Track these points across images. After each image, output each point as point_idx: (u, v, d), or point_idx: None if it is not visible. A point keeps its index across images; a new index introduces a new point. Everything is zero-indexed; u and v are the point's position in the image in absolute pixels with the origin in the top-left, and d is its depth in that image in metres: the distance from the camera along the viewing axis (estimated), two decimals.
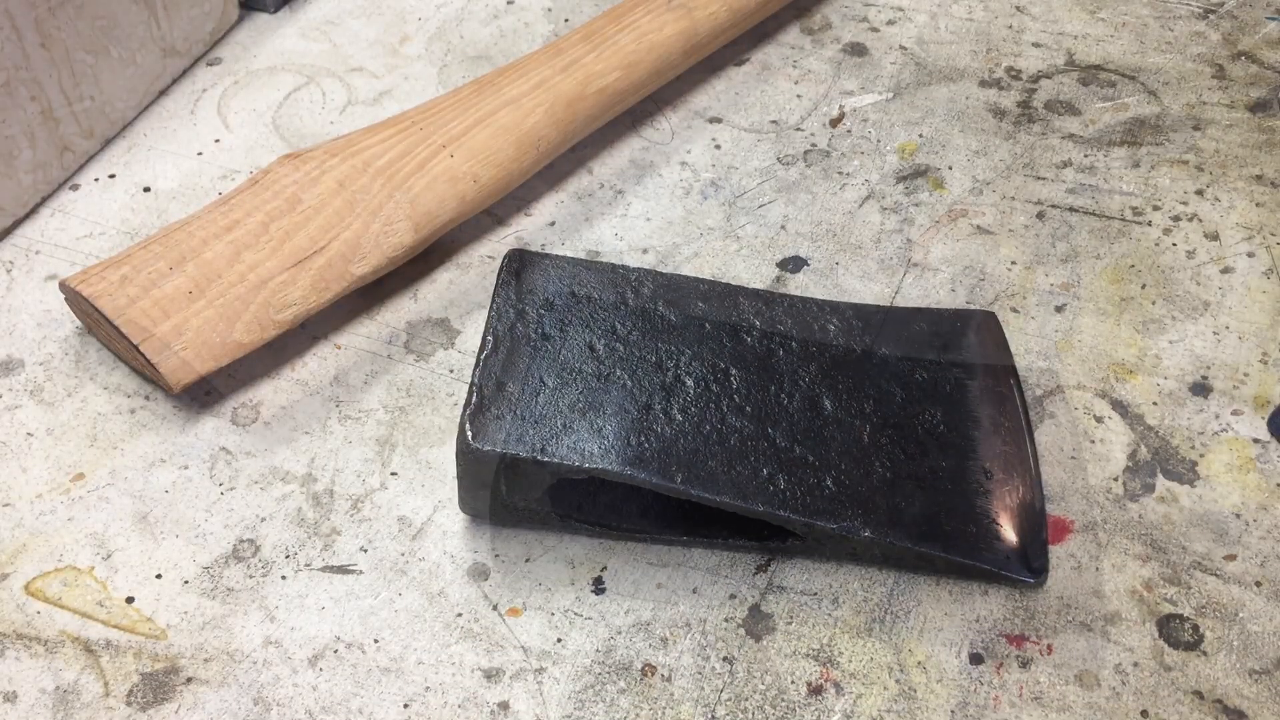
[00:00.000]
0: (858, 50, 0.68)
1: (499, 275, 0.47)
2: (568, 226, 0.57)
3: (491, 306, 0.46)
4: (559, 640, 0.42)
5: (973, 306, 0.50)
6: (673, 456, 0.42)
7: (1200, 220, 0.57)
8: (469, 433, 0.41)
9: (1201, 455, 0.48)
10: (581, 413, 0.43)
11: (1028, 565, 0.43)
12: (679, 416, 0.44)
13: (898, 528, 0.43)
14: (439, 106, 0.56)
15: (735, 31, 0.64)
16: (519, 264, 0.48)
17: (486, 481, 0.42)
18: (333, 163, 0.52)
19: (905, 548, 0.43)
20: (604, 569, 0.44)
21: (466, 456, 0.42)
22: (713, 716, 0.41)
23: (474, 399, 0.42)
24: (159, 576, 0.44)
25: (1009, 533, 0.44)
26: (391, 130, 0.54)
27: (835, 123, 0.63)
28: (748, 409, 0.45)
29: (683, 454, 0.43)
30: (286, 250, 0.49)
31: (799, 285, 0.54)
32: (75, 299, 0.49)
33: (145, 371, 0.49)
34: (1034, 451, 0.46)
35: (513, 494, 0.43)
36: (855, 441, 0.45)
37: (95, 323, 0.49)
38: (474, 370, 0.44)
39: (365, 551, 0.45)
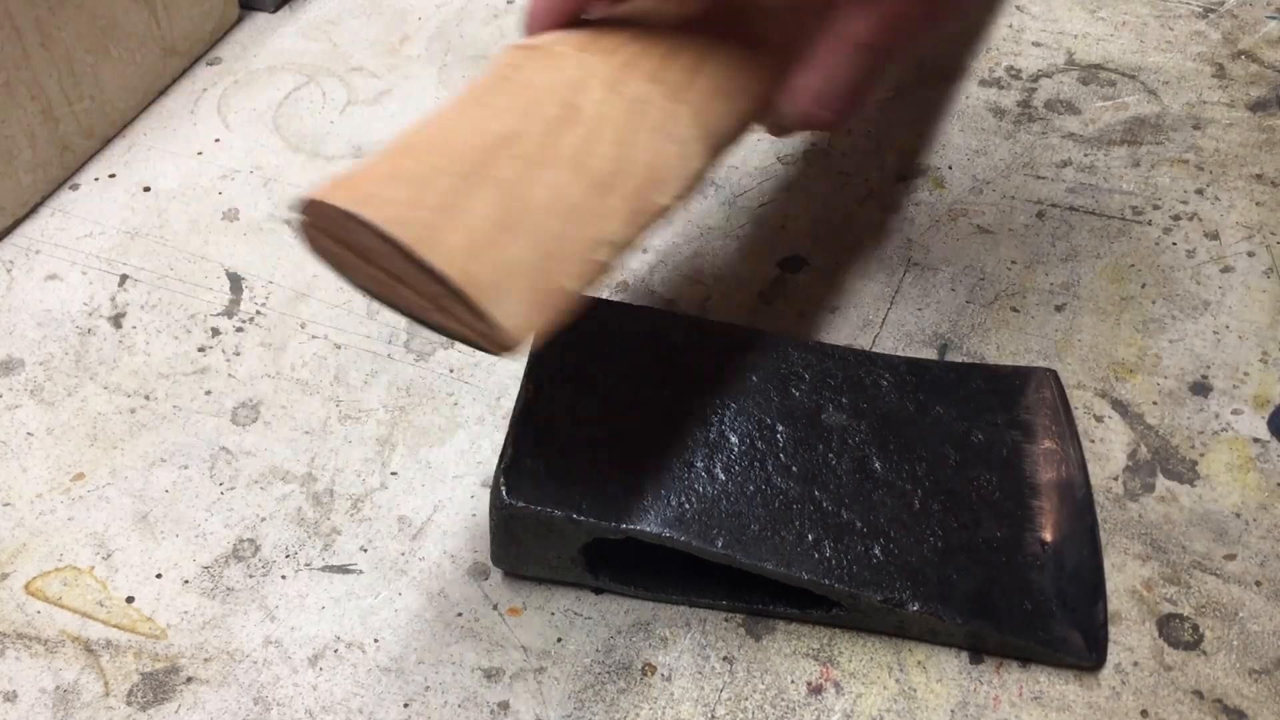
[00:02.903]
0: None
1: None
2: None
3: (531, 352, 0.44)
4: (559, 640, 0.42)
5: (1034, 365, 0.48)
6: (714, 518, 0.41)
7: (1200, 219, 0.57)
8: (503, 487, 0.40)
9: (1201, 455, 0.48)
10: (621, 469, 0.41)
11: (1086, 646, 0.41)
12: (722, 475, 0.42)
13: (948, 602, 0.41)
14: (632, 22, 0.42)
15: None
16: None
17: (520, 537, 0.41)
18: (592, 62, 0.40)
19: (955, 623, 0.41)
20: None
21: (500, 512, 0.40)
22: (713, 716, 0.41)
23: (509, 451, 0.41)
24: (159, 576, 0.44)
25: (1066, 611, 0.41)
26: (630, 33, 0.41)
27: None
28: (794, 469, 0.43)
29: (724, 516, 0.41)
30: (588, 171, 0.37)
31: (799, 285, 0.54)
32: (334, 223, 0.35)
33: (449, 327, 0.35)
34: (1095, 522, 0.44)
35: (547, 550, 0.41)
36: (906, 507, 0.43)
37: (364, 256, 0.35)
38: (511, 420, 0.42)
39: (365, 551, 0.45)
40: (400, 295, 0.36)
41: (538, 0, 0.40)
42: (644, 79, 0.40)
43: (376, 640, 0.42)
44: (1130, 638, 0.42)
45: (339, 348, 0.52)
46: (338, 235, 0.35)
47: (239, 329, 0.53)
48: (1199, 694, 0.41)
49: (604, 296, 0.53)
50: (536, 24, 0.40)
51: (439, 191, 0.34)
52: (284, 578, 0.44)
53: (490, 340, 0.34)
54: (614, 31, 0.41)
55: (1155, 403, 0.49)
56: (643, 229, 0.39)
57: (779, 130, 0.43)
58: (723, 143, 0.42)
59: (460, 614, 0.43)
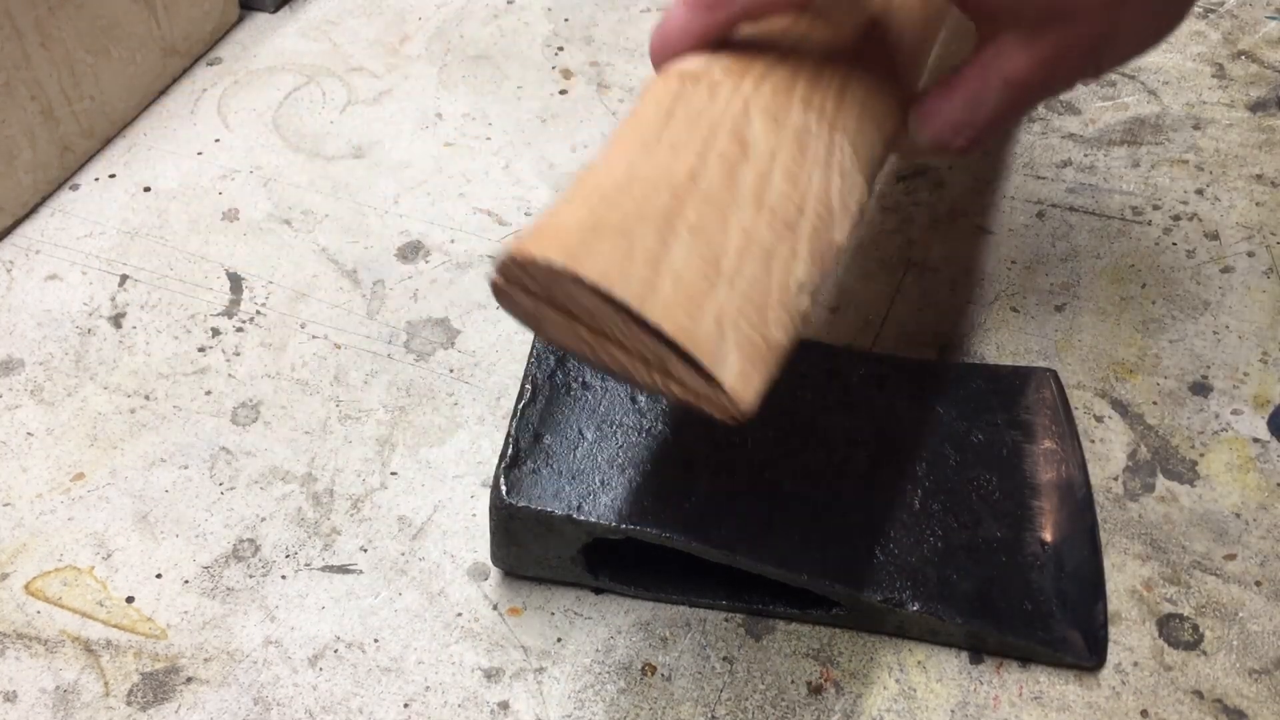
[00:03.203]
0: None
1: None
2: None
3: (531, 351, 0.44)
4: (559, 640, 0.42)
5: (1034, 365, 0.48)
6: (714, 518, 0.41)
7: (1200, 220, 0.57)
8: (503, 487, 0.40)
9: (1201, 455, 0.48)
10: (621, 469, 0.41)
11: (1086, 646, 0.41)
12: (722, 475, 0.42)
13: (948, 602, 0.41)
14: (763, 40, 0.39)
15: None
16: None
17: (520, 537, 0.41)
18: (747, 88, 0.37)
19: (955, 624, 0.41)
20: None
21: (500, 512, 0.40)
22: (713, 716, 0.41)
23: (509, 451, 0.41)
24: (159, 576, 0.44)
25: (1067, 610, 0.41)
26: (773, 55, 0.38)
27: None
28: (794, 469, 0.43)
29: (724, 516, 0.41)
30: (770, 211, 0.34)
31: None
32: (538, 279, 0.32)
33: (665, 387, 0.33)
34: (1095, 522, 0.44)
35: (547, 550, 0.42)
36: (906, 507, 0.43)
37: (567, 313, 0.33)
38: (510, 420, 0.42)
39: (365, 551, 0.45)
40: (607, 353, 0.34)
41: (672, 24, 0.36)
42: (800, 106, 0.37)
43: (376, 640, 0.42)
44: (1130, 638, 0.42)
45: (339, 348, 0.52)
46: (538, 291, 0.33)
47: (239, 329, 0.53)
48: (1199, 694, 0.41)
49: None
50: (671, 48, 0.37)
51: (644, 242, 0.32)
52: (284, 578, 0.44)
53: (716, 405, 0.32)
54: (756, 54, 0.38)
55: (1155, 403, 0.49)
56: (827, 272, 0.35)
57: (905, 153, 0.41)
58: (875, 171, 0.39)
59: (460, 614, 0.43)
